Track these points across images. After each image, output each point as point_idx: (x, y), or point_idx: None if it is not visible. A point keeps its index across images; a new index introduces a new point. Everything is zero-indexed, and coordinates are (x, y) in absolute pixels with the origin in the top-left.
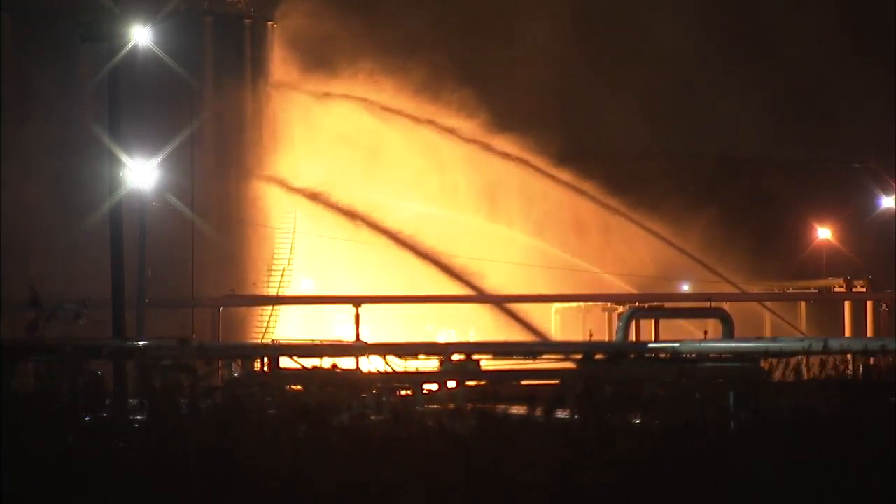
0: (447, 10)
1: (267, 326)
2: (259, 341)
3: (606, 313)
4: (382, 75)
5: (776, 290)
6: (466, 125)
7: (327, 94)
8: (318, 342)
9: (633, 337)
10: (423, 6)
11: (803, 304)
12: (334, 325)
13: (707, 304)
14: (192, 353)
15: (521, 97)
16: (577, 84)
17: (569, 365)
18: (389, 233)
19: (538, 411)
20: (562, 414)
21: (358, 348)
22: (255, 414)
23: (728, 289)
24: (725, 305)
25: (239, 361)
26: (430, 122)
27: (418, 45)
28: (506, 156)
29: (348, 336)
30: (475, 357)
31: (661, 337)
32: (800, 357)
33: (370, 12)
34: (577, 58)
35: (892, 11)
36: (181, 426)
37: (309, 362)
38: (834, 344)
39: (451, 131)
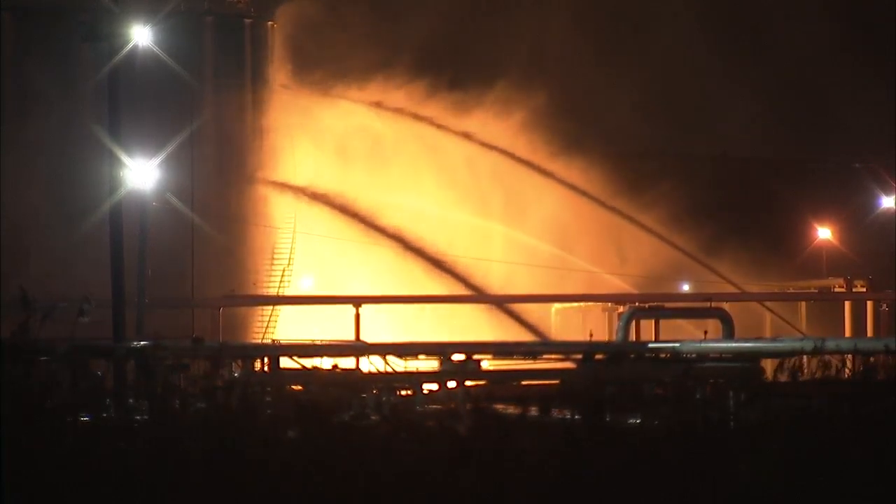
0: (449, 9)
1: (267, 326)
2: (259, 341)
3: (606, 313)
4: (385, 76)
5: (776, 290)
6: (465, 122)
7: (326, 93)
8: (319, 342)
9: (633, 337)
10: (424, 5)
11: (803, 304)
12: (336, 325)
13: (707, 304)
14: (199, 353)
15: (520, 96)
16: (578, 82)
17: (569, 365)
18: (391, 233)
19: (538, 411)
20: (562, 414)
21: (358, 348)
22: (256, 413)
23: (728, 289)
24: (725, 305)
25: (239, 361)
26: (454, 130)
27: (419, 44)
28: (507, 156)
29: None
30: (475, 357)
31: (661, 337)
32: (800, 357)
33: (369, 12)
34: (578, 56)
35: (892, 11)
36: (183, 426)
37: (309, 362)
38: (833, 344)
39: (460, 133)
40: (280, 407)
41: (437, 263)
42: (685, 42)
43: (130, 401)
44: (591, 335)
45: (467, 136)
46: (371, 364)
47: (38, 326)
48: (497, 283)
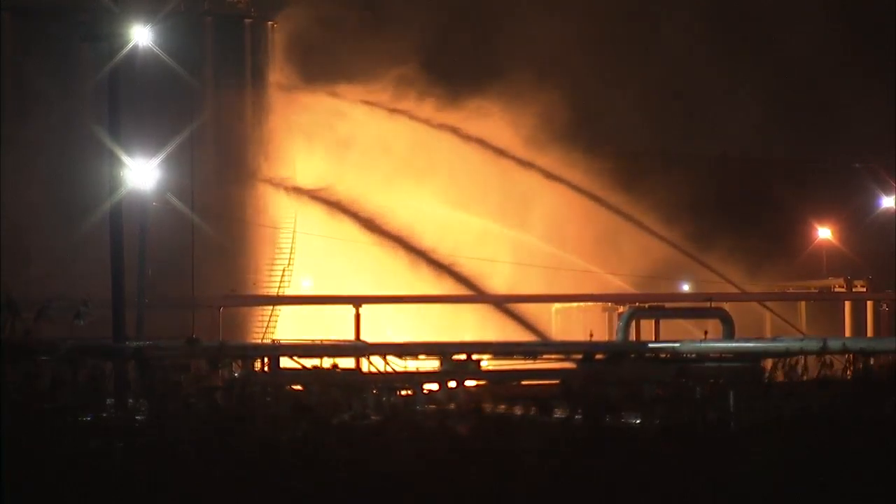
0: (449, 9)
1: (267, 326)
2: (259, 341)
3: (606, 313)
4: (386, 76)
5: (776, 290)
6: (466, 121)
7: (327, 93)
8: (319, 342)
9: (633, 337)
10: (426, 5)
11: (803, 304)
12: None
13: (707, 304)
14: (199, 353)
15: (521, 96)
16: (579, 82)
17: (569, 365)
18: (391, 234)
19: (538, 411)
20: (561, 414)
21: (358, 348)
22: (256, 413)
23: (728, 289)
24: (726, 305)
25: (239, 361)
26: (453, 130)
27: (419, 44)
28: (507, 155)
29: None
30: (475, 357)
31: (662, 337)
32: (800, 357)
33: (372, 12)
34: (579, 56)
35: (892, 11)
36: (182, 426)
37: (309, 362)
38: (834, 344)
39: (461, 134)
40: (280, 407)
41: (438, 264)
42: (686, 42)
43: (130, 401)
44: (591, 335)
45: (467, 135)
46: (371, 365)
47: (31, 326)
48: (498, 283)
